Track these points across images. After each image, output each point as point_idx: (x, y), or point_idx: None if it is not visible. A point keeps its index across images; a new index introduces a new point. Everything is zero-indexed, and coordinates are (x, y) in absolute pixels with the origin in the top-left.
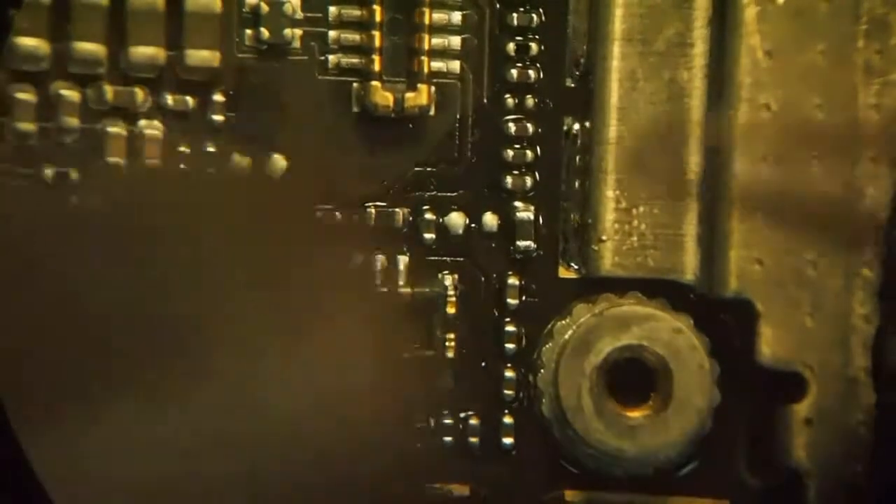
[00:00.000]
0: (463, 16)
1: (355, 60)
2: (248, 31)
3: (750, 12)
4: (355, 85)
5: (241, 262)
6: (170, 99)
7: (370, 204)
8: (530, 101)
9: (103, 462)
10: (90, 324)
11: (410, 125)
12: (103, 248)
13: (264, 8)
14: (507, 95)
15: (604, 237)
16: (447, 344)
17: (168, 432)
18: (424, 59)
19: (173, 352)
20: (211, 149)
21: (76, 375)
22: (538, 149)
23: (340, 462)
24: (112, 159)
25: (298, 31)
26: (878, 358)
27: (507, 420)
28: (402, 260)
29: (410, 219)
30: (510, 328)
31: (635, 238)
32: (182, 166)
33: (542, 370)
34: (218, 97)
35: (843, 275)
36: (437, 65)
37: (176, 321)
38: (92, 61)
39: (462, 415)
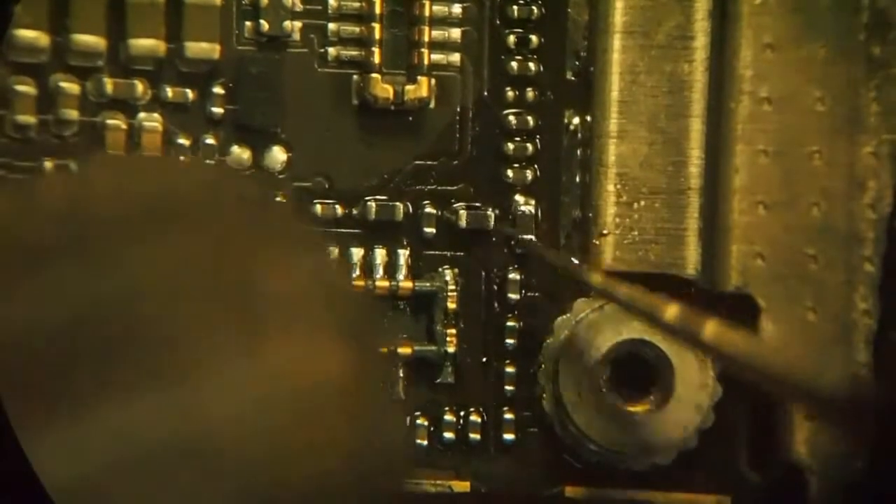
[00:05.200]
0: (463, 8)
1: (355, 53)
2: (248, 24)
3: (751, 4)
4: (355, 77)
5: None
6: (169, 91)
7: (370, 197)
8: (531, 93)
9: (32, 464)
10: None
11: (410, 118)
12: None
13: (264, 0)
14: (508, 88)
15: (605, 231)
16: (448, 339)
17: (106, 436)
18: (424, 51)
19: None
20: (210, 141)
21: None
22: (539, 142)
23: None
24: (112, 152)
25: (298, 24)
26: (880, 353)
27: (508, 416)
28: (403, 254)
29: (410, 212)
30: (511, 323)
31: (636, 232)
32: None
33: (542, 365)
34: (218, 90)
35: (845, 269)
36: (437, 57)
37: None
38: (91, 53)
39: (463, 411)
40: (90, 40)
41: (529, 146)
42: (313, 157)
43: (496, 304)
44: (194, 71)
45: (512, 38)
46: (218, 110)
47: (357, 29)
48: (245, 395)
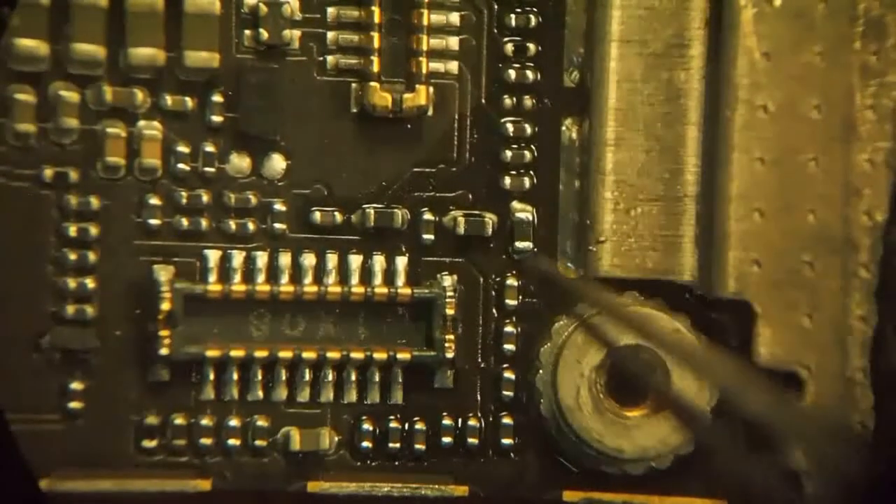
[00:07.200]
0: (461, 17)
1: (354, 61)
2: (247, 32)
3: (747, 14)
4: (354, 85)
5: None
6: (169, 100)
7: (369, 205)
8: (528, 101)
9: None
10: None
11: (409, 126)
12: None
13: (263, 9)
14: (506, 96)
15: (602, 238)
16: (447, 345)
17: None
18: (423, 59)
19: None
20: (210, 149)
21: None
22: (536, 149)
23: None
24: (111, 159)
25: (297, 32)
26: (876, 358)
27: (507, 421)
28: (401, 261)
29: (409, 219)
30: (509, 329)
31: (633, 239)
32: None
33: (540, 370)
34: (217, 98)
35: (841, 276)
36: (436, 65)
37: None
38: (91, 62)
39: (461, 416)
40: (90, 49)
41: (527, 153)
42: (312, 165)
43: (494, 310)
44: (194, 79)
45: (510, 47)
46: (217, 118)
47: (356, 37)
48: None
